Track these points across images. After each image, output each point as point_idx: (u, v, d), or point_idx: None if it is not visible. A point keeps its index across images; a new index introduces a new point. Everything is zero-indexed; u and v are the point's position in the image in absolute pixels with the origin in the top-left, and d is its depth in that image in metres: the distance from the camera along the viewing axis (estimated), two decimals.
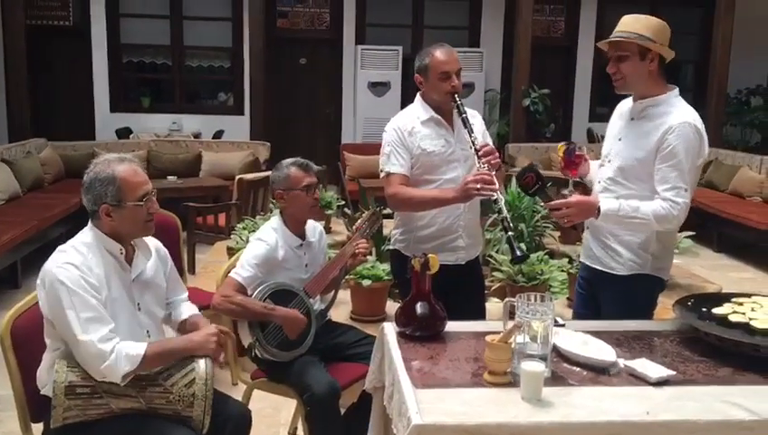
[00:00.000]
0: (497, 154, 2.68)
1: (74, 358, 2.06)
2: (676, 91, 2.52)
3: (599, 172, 2.64)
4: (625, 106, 2.64)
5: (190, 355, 2.17)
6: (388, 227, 4.28)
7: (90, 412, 2.05)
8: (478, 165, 2.63)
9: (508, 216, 2.57)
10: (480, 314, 2.96)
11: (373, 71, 9.41)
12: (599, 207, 2.41)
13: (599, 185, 2.60)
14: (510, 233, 2.53)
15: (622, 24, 2.48)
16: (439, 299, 2.27)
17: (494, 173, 2.60)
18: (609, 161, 2.58)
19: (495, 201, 2.56)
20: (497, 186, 2.56)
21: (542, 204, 2.57)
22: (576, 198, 2.47)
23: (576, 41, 10.23)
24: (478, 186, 2.55)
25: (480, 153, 2.63)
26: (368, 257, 3.38)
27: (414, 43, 9.83)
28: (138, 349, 2.06)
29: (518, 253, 2.49)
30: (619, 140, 2.57)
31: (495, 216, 5.16)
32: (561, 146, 2.64)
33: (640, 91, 2.52)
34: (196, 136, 9.14)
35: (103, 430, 2.07)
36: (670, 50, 2.47)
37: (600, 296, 2.66)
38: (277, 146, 8.56)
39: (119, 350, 2.03)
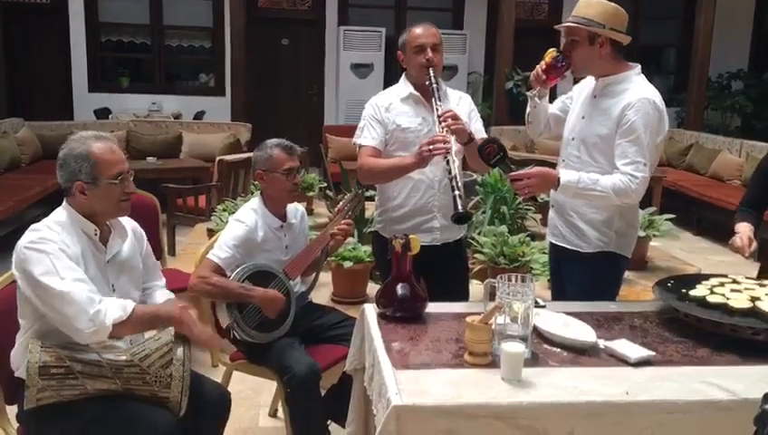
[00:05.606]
0: (461, 121, 2.66)
1: (48, 338, 2.02)
2: (638, 69, 2.55)
3: (563, 150, 2.67)
4: (586, 85, 2.69)
5: (174, 324, 2.13)
6: (370, 209, 4.27)
7: (65, 393, 2.01)
8: (437, 129, 2.64)
9: (458, 174, 2.54)
10: (464, 296, 2.96)
11: (356, 52, 9.33)
12: (558, 178, 2.43)
13: (563, 163, 2.64)
14: (456, 192, 2.50)
15: (576, 8, 2.54)
16: (420, 280, 2.26)
17: (451, 137, 2.60)
18: (573, 139, 2.62)
19: (447, 161, 2.56)
20: (450, 145, 2.56)
21: (504, 175, 2.58)
22: (537, 168, 2.48)
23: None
24: (430, 147, 2.55)
25: (440, 118, 2.63)
26: (348, 239, 3.36)
27: (397, 24, 9.74)
28: (128, 302, 2.07)
29: (460, 210, 2.46)
30: (583, 118, 2.61)
31: (477, 198, 5.20)
32: (551, 51, 2.65)
33: (597, 72, 2.57)
34: (176, 117, 9.03)
35: (78, 411, 2.03)
36: (623, 35, 2.49)
37: (565, 274, 2.69)
38: (259, 127, 8.48)
39: (108, 300, 2.03)
